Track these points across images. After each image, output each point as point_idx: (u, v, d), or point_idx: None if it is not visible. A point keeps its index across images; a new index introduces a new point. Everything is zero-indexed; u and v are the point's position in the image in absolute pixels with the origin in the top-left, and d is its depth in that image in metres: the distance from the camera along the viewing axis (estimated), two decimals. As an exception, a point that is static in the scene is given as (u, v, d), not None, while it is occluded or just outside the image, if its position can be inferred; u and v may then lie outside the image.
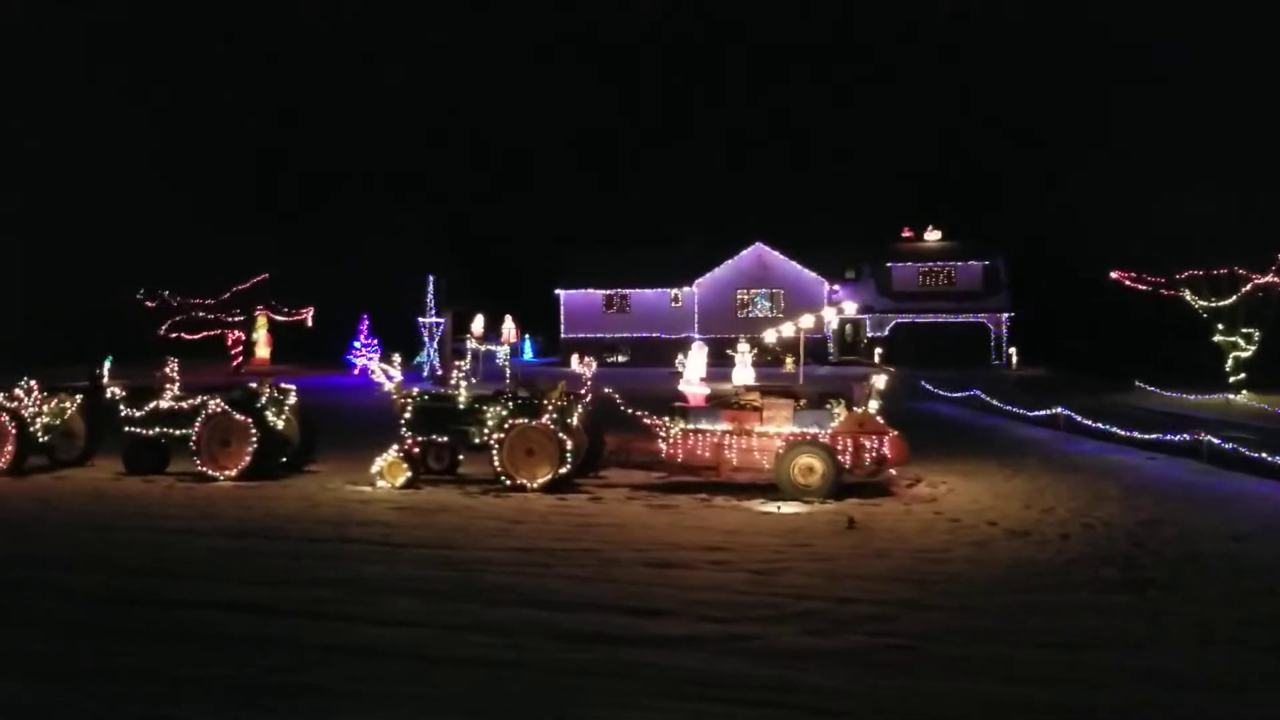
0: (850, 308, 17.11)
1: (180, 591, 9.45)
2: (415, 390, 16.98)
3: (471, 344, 29.90)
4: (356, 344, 49.80)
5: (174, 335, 58.21)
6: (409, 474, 15.79)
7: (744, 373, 39.14)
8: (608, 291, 58.94)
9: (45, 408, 18.20)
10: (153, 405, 17.44)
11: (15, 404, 17.82)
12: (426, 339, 40.59)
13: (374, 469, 15.86)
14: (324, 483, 16.32)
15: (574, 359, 53.67)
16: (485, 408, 16.02)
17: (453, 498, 14.90)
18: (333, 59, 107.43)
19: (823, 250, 56.94)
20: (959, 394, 27.84)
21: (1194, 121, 70.93)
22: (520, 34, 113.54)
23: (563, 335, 59.06)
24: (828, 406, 15.13)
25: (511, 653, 7.67)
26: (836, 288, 56.38)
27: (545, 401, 15.65)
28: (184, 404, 17.24)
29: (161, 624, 8.48)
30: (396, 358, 17.41)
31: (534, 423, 15.38)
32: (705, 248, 58.34)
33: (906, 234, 59.39)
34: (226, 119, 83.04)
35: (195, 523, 12.92)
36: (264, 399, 17.04)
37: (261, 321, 58.13)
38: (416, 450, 16.22)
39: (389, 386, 16.66)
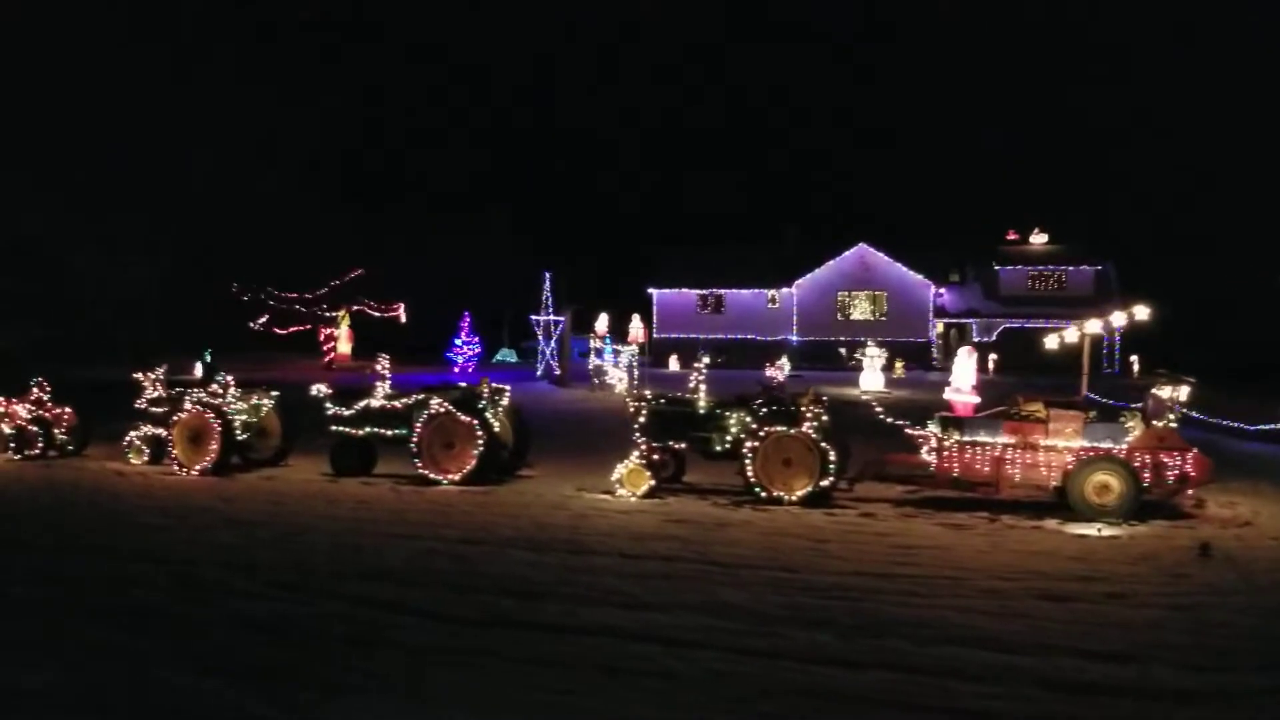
0: (1143, 311, 15.99)
1: (550, 615, 8.48)
2: (649, 394, 16.01)
3: (595, 343, 28.83)
4: (457, 341, 49.13)
5: (265, 329, 58.16)
6: (651, 482, 14.86)
7: (873, 378, 38.15)
8: (702, 291, 57.91)
9: (242, 405, 17.54)
10: (363, 404, 16.68)
11: (218, 401, 17.16)
12: (542, 337, 39.67)
13: (614, 476, 14.94)
14: (555, 489, 15.44)
15: (672, 359, 53.09)
16: (729, 414, 15.04)
17: (713, 510, 13.90)
18: (428, 57, 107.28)
19: (926, 252, 55.48)
20: (1134, 404, 26.32)
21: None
22: (619, 32, 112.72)
23: (655, 335, 58.06)
24: (1120, 419, 13.99)
25: (1005, 704, 6.65)
26: (942, 291, 54.97)
27: (802, 408, 14.61)
28: (397, 404, 16.46)
29: (573, 653, 7.52)
30: (625, 358, 16.51)
31: (793, 431, 14.35)
32: (803, 247, 57.11)
33: (1011, 236, 57.80)
34: (325, 117, 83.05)
35: (469, 533, 12.01)
36: (484, 399, 16.20)
37: (343, 317, 57.87)
38: (656, 457, 15.29)
39: (620, 389, 15.72)
